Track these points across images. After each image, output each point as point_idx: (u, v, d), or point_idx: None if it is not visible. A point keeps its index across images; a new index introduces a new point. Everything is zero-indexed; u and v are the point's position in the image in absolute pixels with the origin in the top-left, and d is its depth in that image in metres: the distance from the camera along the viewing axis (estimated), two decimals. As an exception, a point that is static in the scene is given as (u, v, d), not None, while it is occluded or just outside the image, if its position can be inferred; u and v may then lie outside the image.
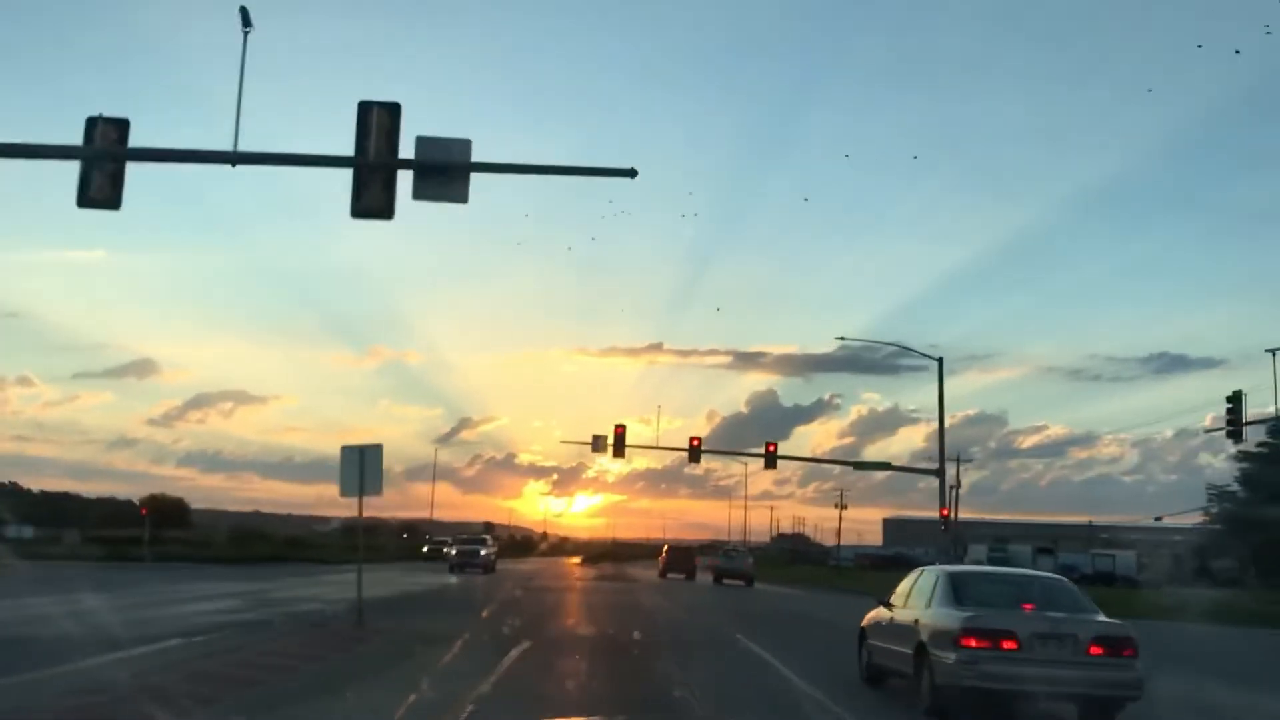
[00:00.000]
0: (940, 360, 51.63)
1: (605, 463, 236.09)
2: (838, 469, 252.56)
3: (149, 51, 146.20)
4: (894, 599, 13.76)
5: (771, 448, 51.95)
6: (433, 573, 46.54)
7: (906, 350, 52.41)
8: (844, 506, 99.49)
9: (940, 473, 51.45)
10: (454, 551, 50.70)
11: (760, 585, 53.46)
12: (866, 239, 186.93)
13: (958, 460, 78.33)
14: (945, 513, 50.57)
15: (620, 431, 51.10)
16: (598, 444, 51.99)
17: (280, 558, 62.52)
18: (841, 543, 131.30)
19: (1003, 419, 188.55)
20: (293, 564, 57.21)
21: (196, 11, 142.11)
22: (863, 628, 14.64)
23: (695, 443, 52.21)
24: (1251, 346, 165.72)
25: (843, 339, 55.30)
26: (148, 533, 55.03)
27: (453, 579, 42.04)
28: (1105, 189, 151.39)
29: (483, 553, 50.53)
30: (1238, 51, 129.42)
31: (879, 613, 14.18)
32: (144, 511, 57.25)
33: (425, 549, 65.79)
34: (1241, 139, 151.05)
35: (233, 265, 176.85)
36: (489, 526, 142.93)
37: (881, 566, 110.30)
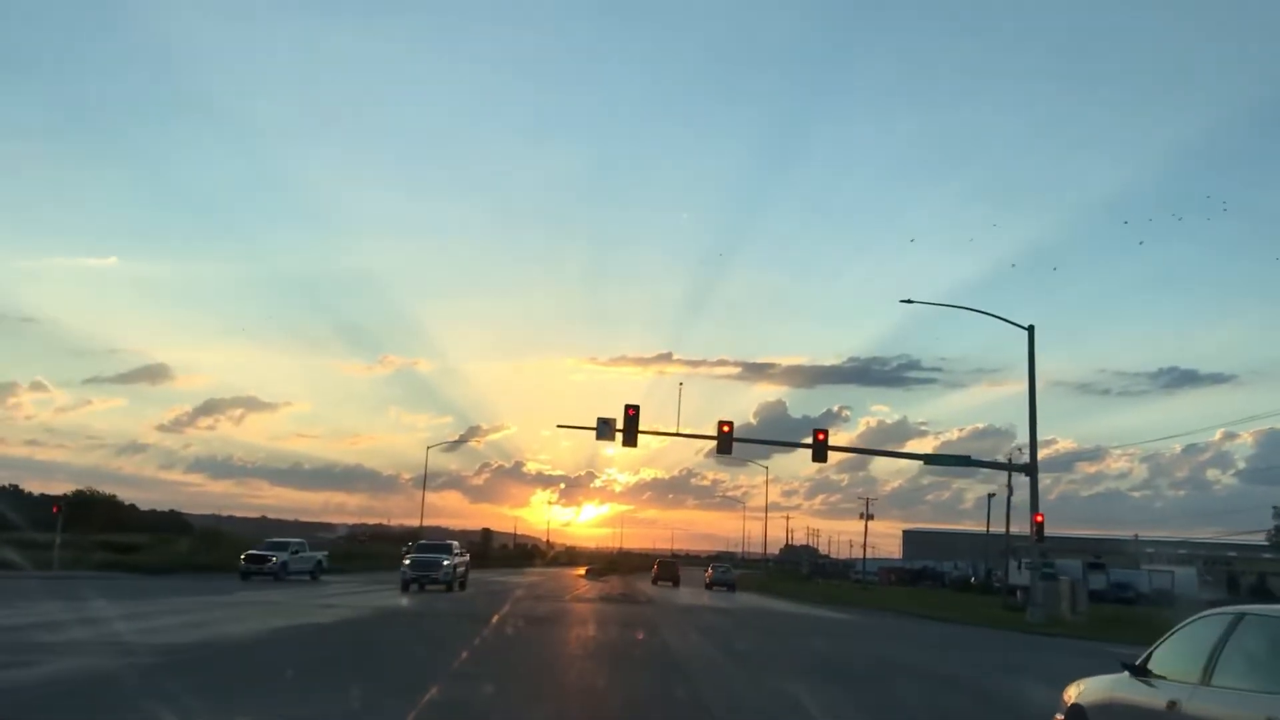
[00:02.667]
0: (1031, 328, 39.31)
1: (614, 473, 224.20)
2: (846, 479, 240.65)
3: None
4: (1158, 664, 7.15)
5: (821, 436, 39.47)
6: (386, 590, 33.74)
7: (990, 316, 39.76)
8: (870, 516, 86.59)
9: (1032, 468, 38.85)
10: (407, 562, 35.94)
11: (788, 605, 46.55)
12: (876, 251, 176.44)
13: (1009, 463, 64.32)
14: (1040, 518, 37.89)
15: (632, 413, 38.63)
16: (604, 429, 39.55)
17: (228, 567, 50.02)
18: (853, 555, 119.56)
19: (1011, 433, 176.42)
20: (228, 575, 44.75)
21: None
22: (1079, 708, 7.83)
23: (726, 429, 39.66)
24: (1262, 362, 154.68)
25: (909, 301, 42.54)
26: (59, 536, 42.69)
27: (403, 600, 29.19)
28: (1115, 202, 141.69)
29: (445, 563, 35.79)
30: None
31: (1120, 686, 7.46)
32: (55, 510, 44.44)
33: (244, 558, 42.04)
34: (1253, 152, 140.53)
35: (245, 272, 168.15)
36: (487, 534, 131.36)
37: (908, 581, 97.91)
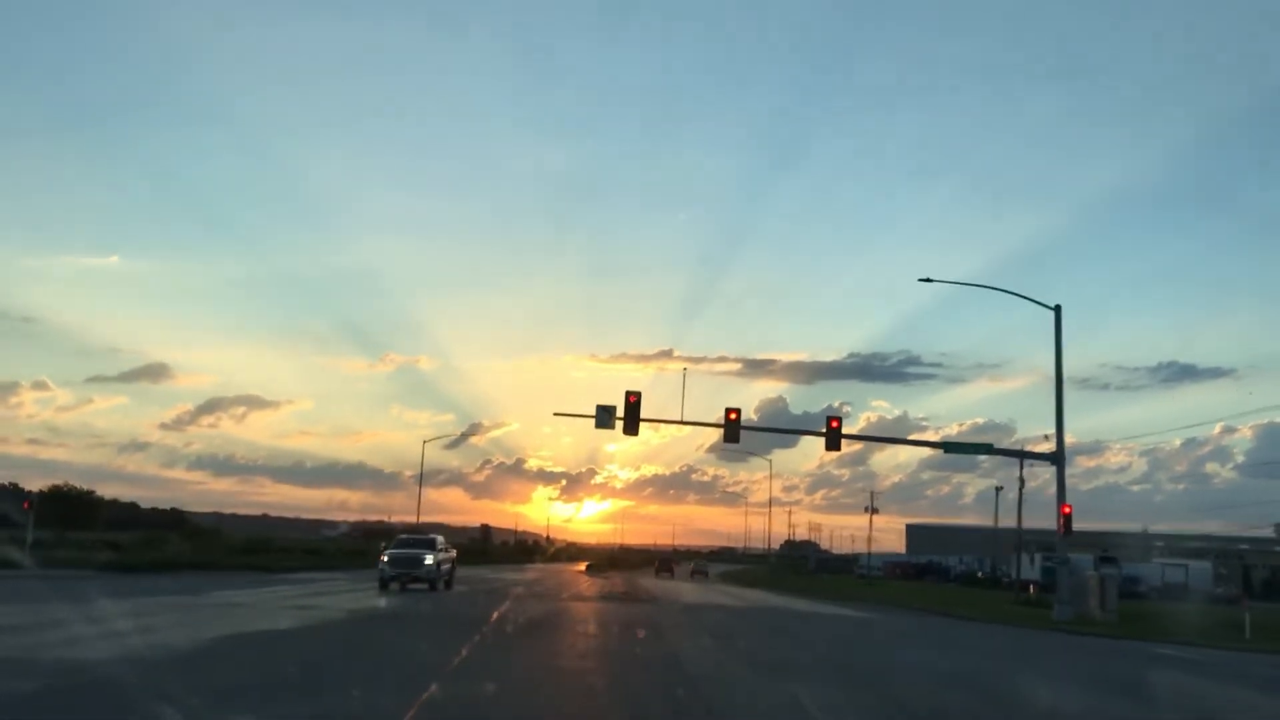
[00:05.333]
0: (1058, 308, 36.25)
1: (614, 469, 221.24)
2: (846, 474, 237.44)
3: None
4: None
5: (835, 424, 36.39)
6: (366, 590, 30.39)
7: (1017, 296, 36.64)
8: (875, 510, 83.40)
9: (1059, 456, 35.75)
10: (386, 559, 31.82)
11: (799, 602, 43.06)
12: (876, 248, 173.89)
13: (1022, 456, 60.66)
14: (1068, 509, 34.78)
15: (634, 400, 35.50)
16: (604, 417, 36.45)
17: (218, 565, 46.99)
18: (854, 549, 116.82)
19: (1011, 428, 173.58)
20: (209, 573, 41.73)
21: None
22: None
23: (733, 416, 36.55)
24: (1261, 356, 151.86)
25: (928, 279, 38.21)
26: (30, 534, 39.57)
27: (380, 601, 25.86)
28: (1114, 199, 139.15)
29: (428, 560, 31.60)
30: None
31: None
32: (26, 506, 41.22)
33: None
34: (1252, 148, 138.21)
35: (247, 271, 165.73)
36: (486, 530, 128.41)
37: (913, 576, 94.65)
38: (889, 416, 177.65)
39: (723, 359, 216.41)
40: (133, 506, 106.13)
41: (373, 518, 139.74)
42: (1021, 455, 40.85)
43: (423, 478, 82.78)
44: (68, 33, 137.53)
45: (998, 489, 79.92)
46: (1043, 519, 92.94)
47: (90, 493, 54.64)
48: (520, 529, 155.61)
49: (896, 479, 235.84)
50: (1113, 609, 36.83)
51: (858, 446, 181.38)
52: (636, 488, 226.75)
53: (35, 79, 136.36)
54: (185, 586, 31.17)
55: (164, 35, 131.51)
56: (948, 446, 39.48)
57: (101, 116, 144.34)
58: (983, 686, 14.66)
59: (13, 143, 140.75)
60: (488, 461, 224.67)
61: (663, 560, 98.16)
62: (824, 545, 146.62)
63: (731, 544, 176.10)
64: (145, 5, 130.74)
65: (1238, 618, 33.09)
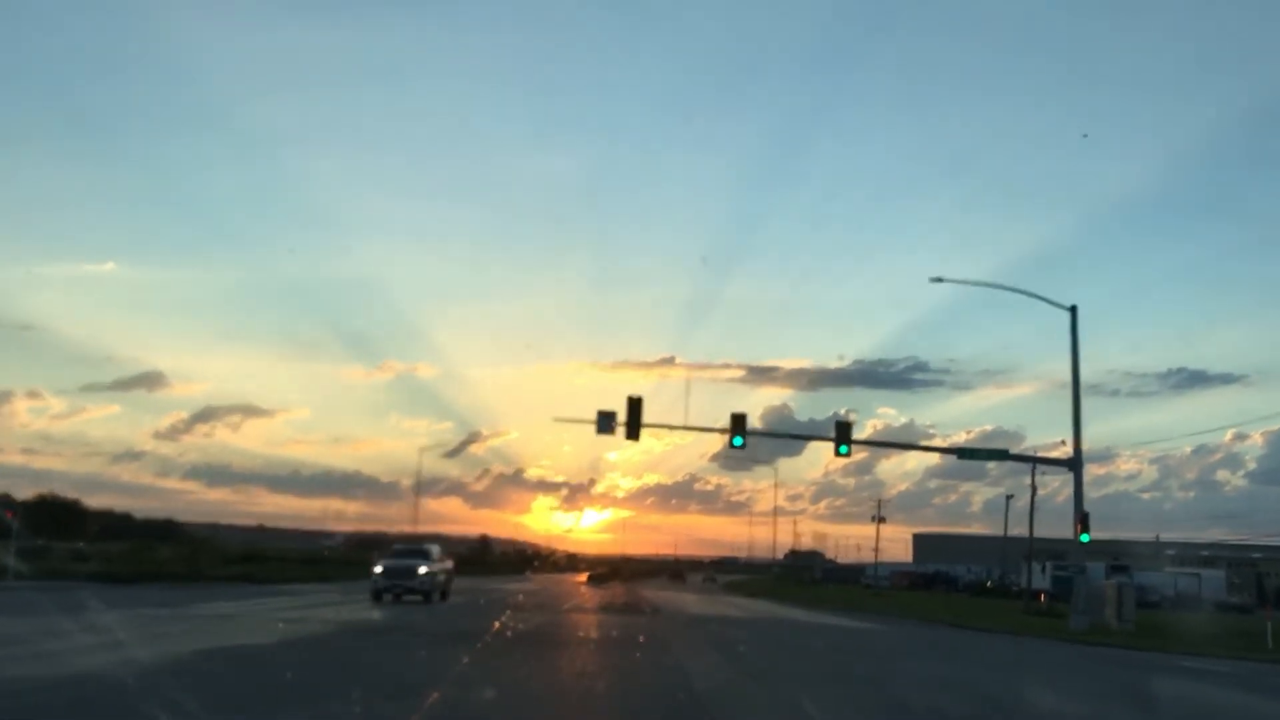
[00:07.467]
0: (1073, 308, 35.36)
1: (616, 478, 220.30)
2: (851, 483, 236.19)
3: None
4: None
5: (843, 428, 35.43)
6: (359, 602, 29.43)
7: (1033, 297, 35.76)
8: (882, 519, 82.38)
9: (1076, 462, 34.79)
10: (379, 569, 31.08)
11: (808, 614, 41.98)
12: (881, 254, 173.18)
13: (1036, 462, 59.09)
14: (1084, 516, 33.74)
15: (635, 402, 34.60)
16: (605, 423, 35.53)
17: (208, 576, 46.05)
18: (860, 559, 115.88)
19: (1020, 435, 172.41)
20: (198, 585, 40.88)
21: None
22: None
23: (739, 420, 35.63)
24: (1272, 362, 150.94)
25: (940, 279, 37.11)
26: (14, 544, 38.55)
27: (374, 614, 24.89)
28: (1122, 204, 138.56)
29: (422, 571, 30.95)
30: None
31: None
32: (10, 514, 40.25)
33: None
34: (1263, 152, 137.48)
35: (243, 278, 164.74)
36: (485, 540, 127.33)
37: (921, 585, 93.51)
38: (895, 424, 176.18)
39: (726, 366, 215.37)
40: (126, 517, 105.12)
41: (370, 528, 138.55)
42: (1036, 461, 39.87)
43: (420, 487, 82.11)
44: (65, 38, 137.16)
45: (1008, 497, 78.79)
46: (1051, 528, 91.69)
47: (76, 502, 53.68)
48: (520, 539, 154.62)
49: (903, 488, 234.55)
50: (1130, 619, 35.84)
51: (863, 454, 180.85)
52: (638, 497, 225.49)
53: (33, 85, 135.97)
54: (169, 598, 30.26)
55: (162, 41, 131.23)
56: (962, 453, 38.54)
57: (99, 123, 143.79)
58: (1010, 707, 13.71)
59: (10, 149, 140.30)
60: (487, 470, 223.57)
61: (674, 570, 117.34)
62: (829, 555, 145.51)
63: (735, 554, 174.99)
64: (143, 11, 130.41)
65: (1255, 626, 32.13)
